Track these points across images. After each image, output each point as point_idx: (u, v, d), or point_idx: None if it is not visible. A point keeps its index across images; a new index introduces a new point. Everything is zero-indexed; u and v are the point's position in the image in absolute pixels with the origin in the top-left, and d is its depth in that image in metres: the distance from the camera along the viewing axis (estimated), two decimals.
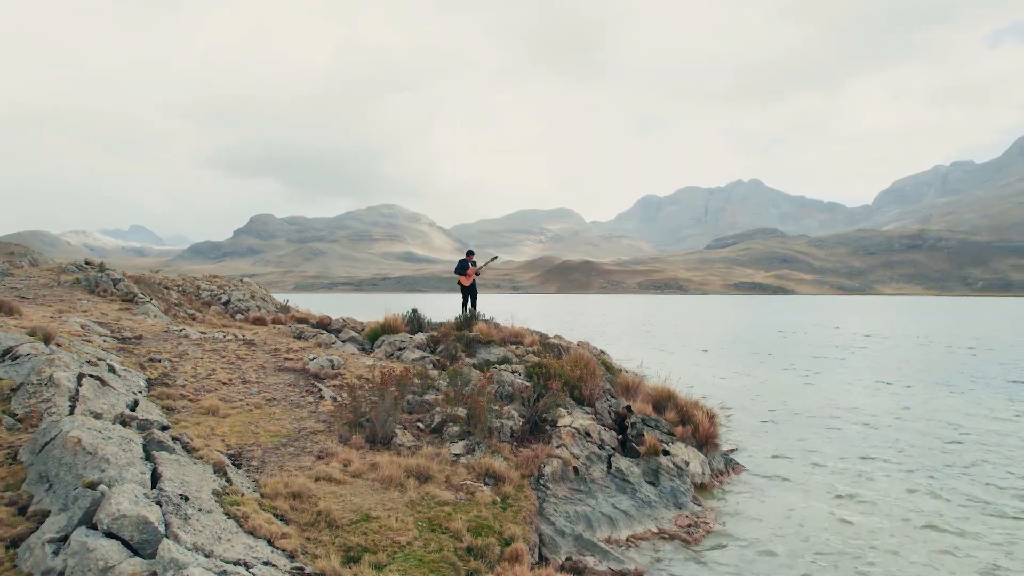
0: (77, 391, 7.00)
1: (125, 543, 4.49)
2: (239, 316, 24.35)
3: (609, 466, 9.06)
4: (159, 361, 10.45)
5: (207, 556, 4.59)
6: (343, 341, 13.36)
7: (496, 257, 17.27)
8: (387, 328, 13.79)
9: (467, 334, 12.71)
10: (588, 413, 10.10)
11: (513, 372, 10.38)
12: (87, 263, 24.91)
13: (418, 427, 8.66)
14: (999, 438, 13.57)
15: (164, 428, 7.14)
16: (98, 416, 6.80)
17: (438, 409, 8.76)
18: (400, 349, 12.81)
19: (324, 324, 14.73)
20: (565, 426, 9.11)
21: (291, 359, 11.63)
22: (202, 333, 13.57)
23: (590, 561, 7.14)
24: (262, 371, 10.83)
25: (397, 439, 8.05)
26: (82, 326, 12.08)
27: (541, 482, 8.12)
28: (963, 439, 13.51)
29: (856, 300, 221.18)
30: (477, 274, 15.45)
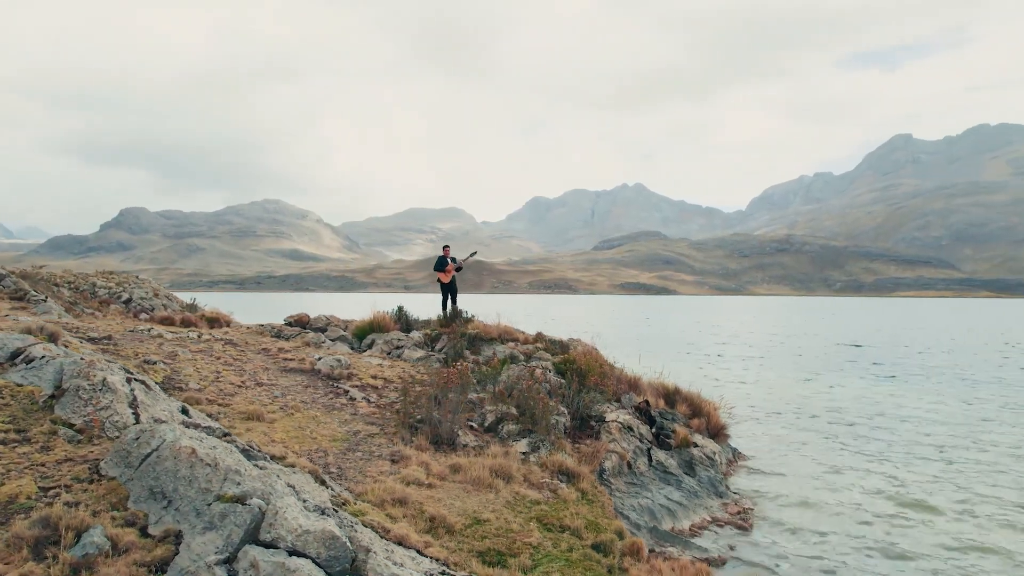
0: (135, 396, 6.24)
1: (312, 560, 4.06)
2: (143, 316, 22.53)
3: (650, 459, 9.20)
4: (154, 363, 9.49)
5: (401, 568, 4.24)
6: (332, 340, 12.69)
7: (475, 253, 16.99)
8: (376, 326, 13.24)
9: (469, 331, 12.45)
10: (623, 408, 10.19)
11: (544, 369, 10.27)
12: None
13: (471, 426, 8.40)
14: (923, 413, 15.01)
15: (225, 435, 6.50)
16: (164, 423, 6.09)
17: (489, 408, 8.53)
18: (398, 348, 12.35)
19: (303, 323, 13.91)
20: (613, 421, 9.14)
21: (291, 359, 10.92)
22: (174, 332, 12.47)
23: (673, 551, 7.22)
24: (268, 373, 10.10)
25: (460, 439, 7.77)
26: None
27: (604, 477, 8.13)
28: (887, 416, 14.91)
29: (733, 300, 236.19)
30: (458, 270, 15.14)
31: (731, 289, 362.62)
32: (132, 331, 12.21)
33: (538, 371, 9.93)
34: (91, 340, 10.68)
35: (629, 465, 8.60)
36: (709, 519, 8.45)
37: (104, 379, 6.21)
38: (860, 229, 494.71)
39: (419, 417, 8.10)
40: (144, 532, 4.64)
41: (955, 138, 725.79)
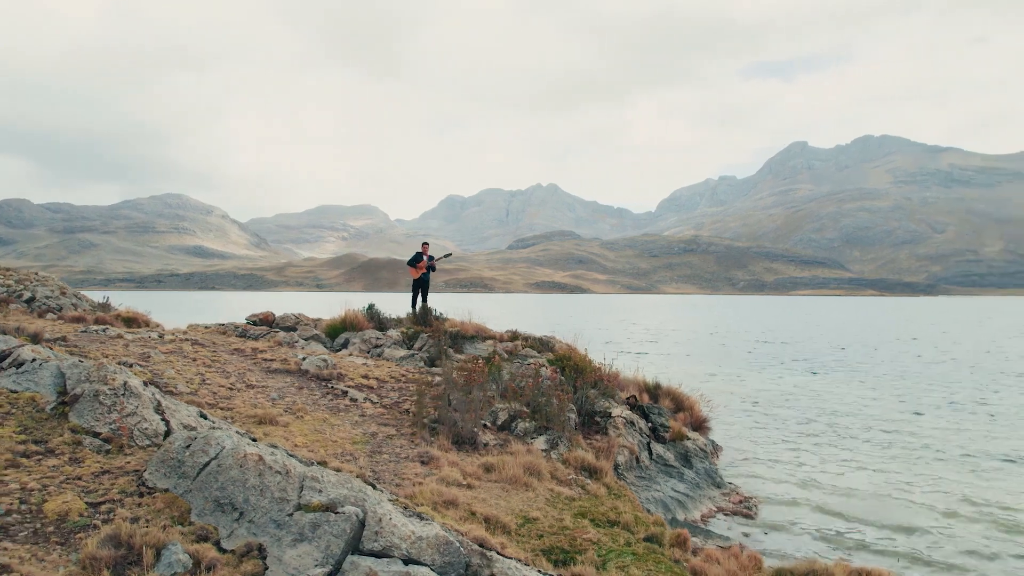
0: (159, 401, 5.76)
1: (430, 568, 3.88)
2: (50, 316, 20.92)
3: (651, 453, 9.37)
4: (130, 366, 8.79)
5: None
6: (305, 339, 12.17)
7: (451, 254, 16.69)
8: (348, 325, 12.81)
9: (450, 329, 12.25)
10: (622, 404, 10.30)
11: (541, 367, 10.24)
12: None
13: (484, 425, 8.28)
14: (863, 401, 16.10)
15: (253, 441, 6.11)
16: (192, 429, 5.66)
17: (500, 406, 8.44)
18: (377, 346, 12.00)
19: (268, 321, 13.25)
20: (619, 416, 9.23)
21: (272, 359, 10.40)
22: (133, 333, 11.62)
23: (696, 541, 7.37)
24: (254, 374, 9.57)
25: (480, 438, 7.65)
26: None
27: (618, 471, 8.21)
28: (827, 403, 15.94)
29: (645, 298, 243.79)
30: (431, 268, 14.84)
31: (642, 288, 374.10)
32: (85, 331, 11.29)
33: (543, 369, 9.90)
34: (48, 342, 9.76)
35: (637, 459, 8.73)
36: (715, 509, 8.69)
37: (125, 383, 5.70)
38: (761, 231, 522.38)
39: (432, 417, 7.91)
40: (219, 547, 4.30)
41: (844, 147, 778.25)
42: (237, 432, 5.62)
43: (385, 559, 3.88)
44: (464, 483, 6.53)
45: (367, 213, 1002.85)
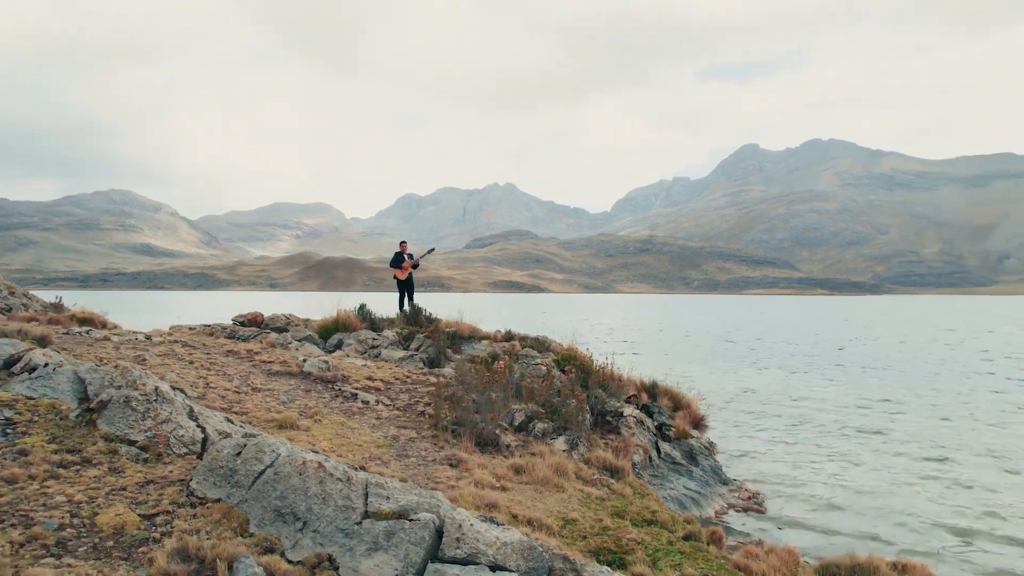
0: (191, 407, 5.53)
1: (515, 574, 3.81)
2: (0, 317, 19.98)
3: (659, 451, 9.45)
4: None
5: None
6: (298, 340, 11.88)
7: (433, 249, 16.50)
8: (341, 325, 12.56)
9: (447, 330, 12.13)
10: (623, 403, 10.35)
11: (551, 367, 10.21)
12: None
13: (501, 426, 8.21)
14: (846, 397, 16.60)
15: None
16: (228, 436, 5.45)
17: (516, 407, 8.39)
18: (374, 347, 11.81)
19: (257, 322, 12.87)
20: (630, 415, 9.28)
21: (271, 362, 10.13)
22: (118, 335, 11.16)
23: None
24: (256, 377, 9.29)
25: (503, 440, 7.60)
26: None
27: (636, 470, 8.25)
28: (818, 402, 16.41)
29: (602, 297, 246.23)
30: (414, 267, 14.66)
31: (598, 288, 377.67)
32: (67, 333, 10.78)
33: (555, 370, 9.87)
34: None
35: (650, 458, 8.79)
36: (726, 505, 8.82)
37: (156, 387, 5.47)
38: (714, 231, 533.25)
39: (451, 419, 7.82)
40: (285, 558, 4.14)
41: (794, 150, 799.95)
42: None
43: (471, 566, 3.80)
44: (498, 486, 6.47)
45: (322, 211, 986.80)
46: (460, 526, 4.02)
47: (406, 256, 14.67)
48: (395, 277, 14.72)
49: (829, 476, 10.28)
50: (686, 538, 6.04)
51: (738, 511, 8.69)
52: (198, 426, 5.39)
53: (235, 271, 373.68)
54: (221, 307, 77.08)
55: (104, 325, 17.54)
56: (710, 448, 10.39)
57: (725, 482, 9.62)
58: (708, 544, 6.12)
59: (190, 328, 13.29)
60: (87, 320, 17.81)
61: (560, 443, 7.93)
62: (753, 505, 8.83)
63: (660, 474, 8.78)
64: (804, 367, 25.45)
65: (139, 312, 61.44)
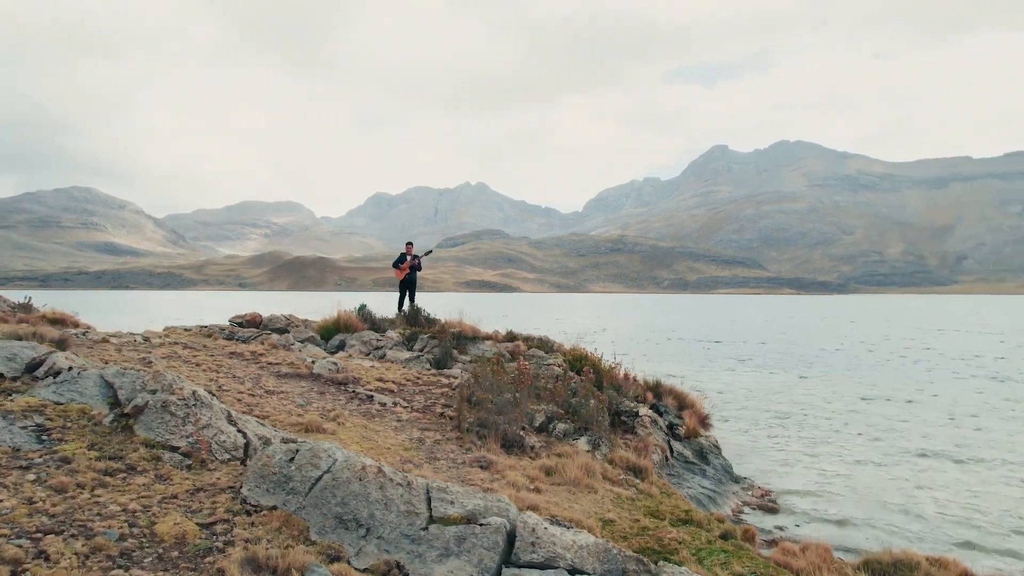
0: (230, 412, 5.40)
1: None
2: None
3: (671, 450, 9.51)
4: None
5: None
6: (301, 341, 11.70)
7: (431, 251, 16.40)
8: (342, 326, 12.41)
9: (453, 330, 12.05)
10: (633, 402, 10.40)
11: (559, 367, 10.21)
12: None
13: (523, 427, 8.19)
14: (838, 397, 16.93)
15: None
16: (268, 441, 5.34)
17: (535, 408, 8.37)
18: (378, 348, 11.69)
19: (256, 323, 12.64)
20: (646, 415, 9.32)
21: (278, 363, 9.96)
22: (117, 337, 10.88)
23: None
24: (266, 379, 9.12)
25: (527, 441, 7.58)
26: None
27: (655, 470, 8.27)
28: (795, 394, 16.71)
29: (574, 297, 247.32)
30: (415, 268, 14.57)
31: (570, 287, 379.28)
32: (65, 335, 10.43)
33: (557, 370, 9.87)
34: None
35: (667, 457, 8.84)
36: (741, 503, 8.91)
37: (194, 392, 5.34)
38: (685, 231, 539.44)
39: (471, 420, 7.77)
40: (352, 566, 4.06)
41: (763, 151, 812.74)
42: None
43: (550, 570, 3.77)
44: (532, 487, 6.46)
45: (291, 210, 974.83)
46: (533, 530, 4.00)
47: (409, 257, 14.61)
48: (397, 277, 14.63)
49: (834, 473, 10.45)
50: (723, 537, 6.08)
51: (753, 509, 8.78)
52: (239, 431, 5.27)
53: (203, 270, 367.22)
54: (192, 307, 75.70)
55: (76, 326, 17.08)
56: (718, 446, 10.48)
57: (736, 480, 9.73)
58: (744, 541, 6.17)
59: (186, 329, 13.01)
60: (59, 321, 17.30)
61: (582, 444, 7.93)
62: (767, 503, 8.93)
63: (676, 473, 8.83)
64: (800, 366, 25.82)
65: (108, 312, 60.00)
